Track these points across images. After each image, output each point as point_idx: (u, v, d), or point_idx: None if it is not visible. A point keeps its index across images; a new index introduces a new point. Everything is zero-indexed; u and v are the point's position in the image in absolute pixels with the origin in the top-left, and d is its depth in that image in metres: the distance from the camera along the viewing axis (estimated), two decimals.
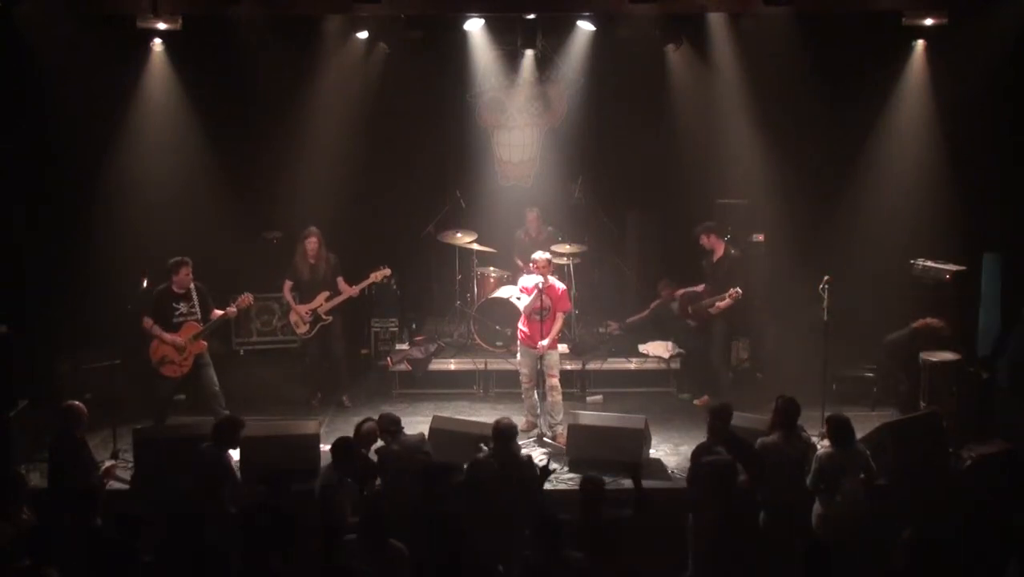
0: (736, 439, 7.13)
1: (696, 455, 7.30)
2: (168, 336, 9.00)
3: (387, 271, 10.19)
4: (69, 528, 6.26)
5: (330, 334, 10.12)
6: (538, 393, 9.26)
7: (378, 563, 5.88)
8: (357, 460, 7.17)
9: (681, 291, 10.58)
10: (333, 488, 6.94)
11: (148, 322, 8.99)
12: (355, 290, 10.05)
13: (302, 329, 10.08)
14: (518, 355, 9.49)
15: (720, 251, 9.93)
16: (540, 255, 9.20)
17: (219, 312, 9.28)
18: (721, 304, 9.68)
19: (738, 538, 6.29)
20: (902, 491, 7.61)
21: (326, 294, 10.00)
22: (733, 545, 6.23)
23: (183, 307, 9.11)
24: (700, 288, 10.20)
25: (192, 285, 9.12)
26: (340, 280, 10.06)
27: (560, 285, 9.27)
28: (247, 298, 9.44)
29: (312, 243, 10.02)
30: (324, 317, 10.01)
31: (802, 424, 7.52)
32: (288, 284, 10.12)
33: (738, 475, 6.63)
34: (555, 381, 9.19)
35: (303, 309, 10.02)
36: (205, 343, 9.18)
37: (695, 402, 10.00)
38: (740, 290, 9.52)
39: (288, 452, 8.13)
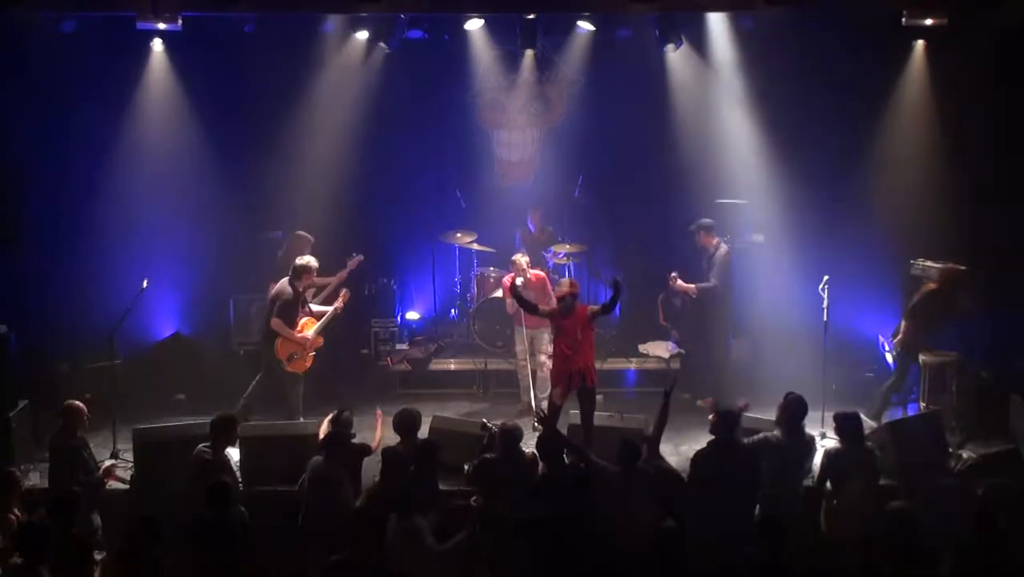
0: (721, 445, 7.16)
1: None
2: (298, 336, 9.19)
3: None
4: (63, 527, 6.28)
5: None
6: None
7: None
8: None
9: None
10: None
11: (277, 323, 9.13)
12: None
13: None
14: (515, 335, 9.84)
15: (710, 248, 9.98)
16: (517, 257, 9.70)
17: (326, 308, 9.49)
18: (684, 285, 9.89)
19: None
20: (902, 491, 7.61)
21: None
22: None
23: (301, 305, 9.33)
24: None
25: None
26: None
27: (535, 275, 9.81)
28: (347, 294, 9.63)
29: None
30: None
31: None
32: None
33: (677, 488, 6.76)
34: (544, 358, 9.61)
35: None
36: (322, 339, 9.40)
37: (698, 403, 9.96)
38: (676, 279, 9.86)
39: (288, 453, 8.12)
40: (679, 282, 9.94)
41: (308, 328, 9.30)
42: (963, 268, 9.48)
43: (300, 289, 9.25)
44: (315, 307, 9.53)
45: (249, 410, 9.13)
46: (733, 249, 10.32)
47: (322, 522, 7.06)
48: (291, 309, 9.19)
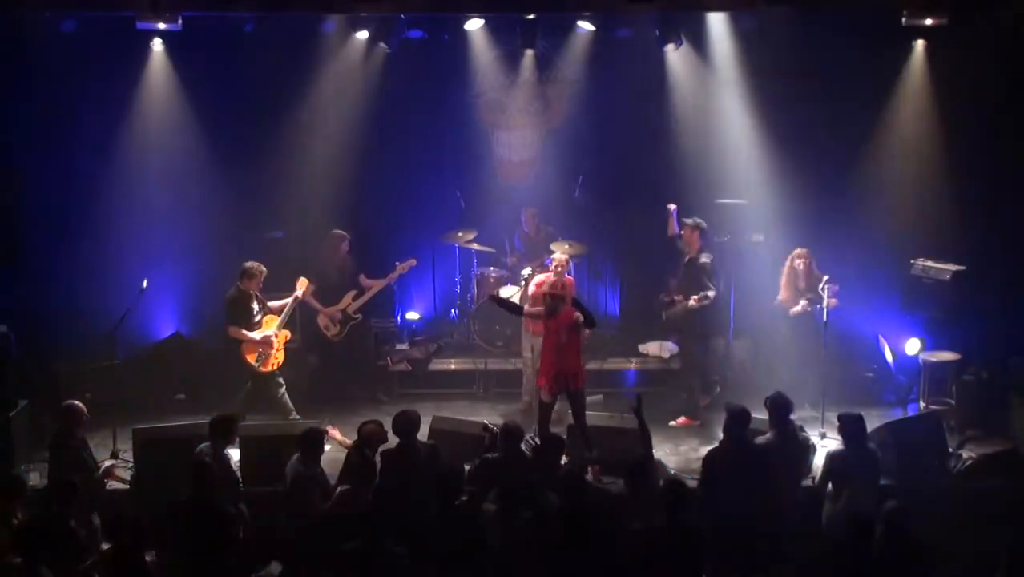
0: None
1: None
2: (258, 336, 9.19)
3: (413, 261, 10.36)
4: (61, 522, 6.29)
5: (360, 332, 10.18)
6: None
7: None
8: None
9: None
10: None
11: (234, 329, 9.14)
12: (383, 283, 10.25)
13: (333, 331, 10.10)
14: (523, 339, 9.72)
15: (693, 251, 9.85)
16: (558, 256, 9.26)
17: (284, 300, 9.44)
18: (692, 304, 9.59)
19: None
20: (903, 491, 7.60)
21: (353, 293, 10.10)
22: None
23: (257, 305, 9.30)
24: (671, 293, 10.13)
25: None
26: (362, 277, 10.16)
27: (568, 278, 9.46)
28: (304, 282, 9.56)
29: (346, 246, 10.21)
30: (354, 316, 10.11)
31: (802, 424, 7.52)
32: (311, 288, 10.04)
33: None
34: None
35: (333, 311, 10.03)
36: (289, 332, 9.39)
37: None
38: (709, 295, 9.52)
39: (288, 452, 8.10)
40: (687, 303, 9.66)
41: (269, 325, 9.29)
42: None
43: (248, 290, 9.21)
44: (273, 303, 9.46)
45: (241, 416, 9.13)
46: (733, 249, 10.32)
47: (294, 520, 7.12)
48: (241, 312, 9.18)
